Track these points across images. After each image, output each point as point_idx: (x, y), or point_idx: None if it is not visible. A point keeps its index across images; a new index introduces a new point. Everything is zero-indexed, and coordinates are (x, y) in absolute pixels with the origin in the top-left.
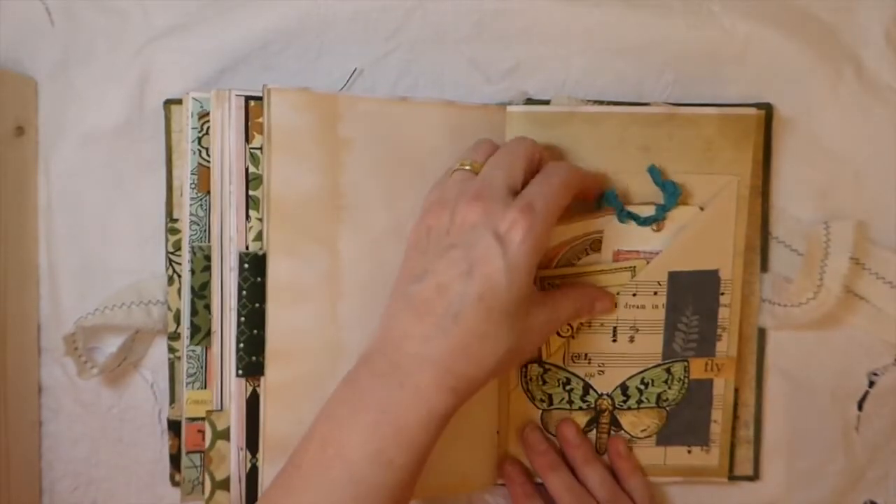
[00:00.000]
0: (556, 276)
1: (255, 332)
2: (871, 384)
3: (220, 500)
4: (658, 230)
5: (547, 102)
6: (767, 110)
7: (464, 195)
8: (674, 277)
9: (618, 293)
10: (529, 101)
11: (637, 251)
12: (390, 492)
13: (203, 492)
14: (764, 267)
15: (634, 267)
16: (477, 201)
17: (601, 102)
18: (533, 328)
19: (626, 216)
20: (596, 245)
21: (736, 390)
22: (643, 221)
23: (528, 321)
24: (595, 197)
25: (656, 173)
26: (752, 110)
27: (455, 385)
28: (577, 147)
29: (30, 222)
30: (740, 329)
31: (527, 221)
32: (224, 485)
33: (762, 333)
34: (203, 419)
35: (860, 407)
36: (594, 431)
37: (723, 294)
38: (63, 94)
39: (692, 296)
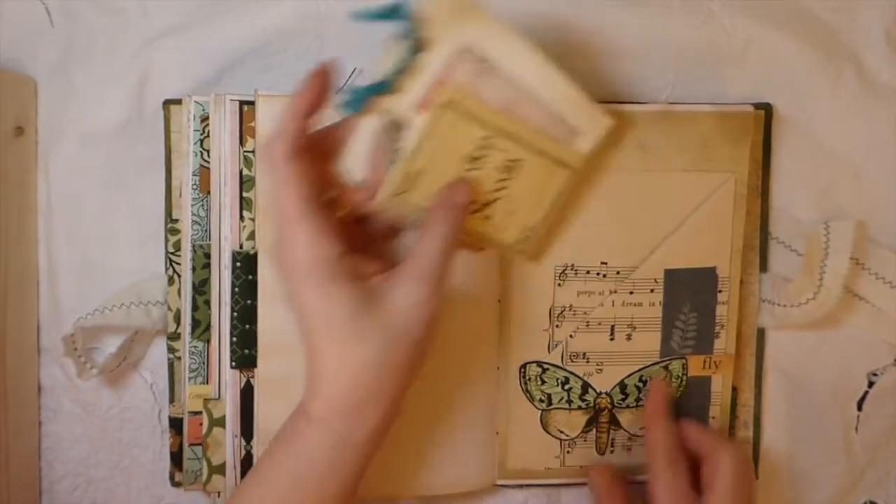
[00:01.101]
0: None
1: (248, 326)
2: (871, 384)
3: (217, 484)
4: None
5: None
6: (767, 110)
7: None
8: (670, 275)
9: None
10: None
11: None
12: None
13: (202, 476)
14: (763, 267)
15: (451, 99)
16: None
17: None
18: (397, 313)
19: (371, 91)
20: (392, 127)
21: (735, 390)
22: (392, 76)
23: (380, 312)
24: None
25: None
26: (749, 108)
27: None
28: None
29: (30, 222)
30: (740, 329)
31: None
32: (220, 470)
33: (762, 333)
34: None
35: (860, 407)
36: (593, 430)
37: (720, 291)
38: (63, 94)
39: (689, 293)
